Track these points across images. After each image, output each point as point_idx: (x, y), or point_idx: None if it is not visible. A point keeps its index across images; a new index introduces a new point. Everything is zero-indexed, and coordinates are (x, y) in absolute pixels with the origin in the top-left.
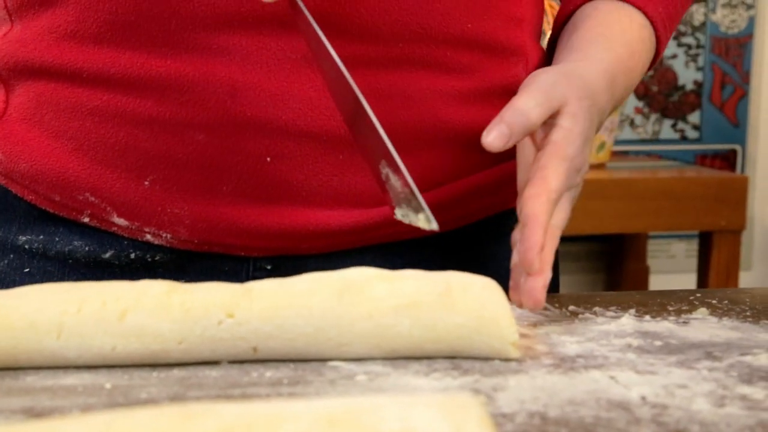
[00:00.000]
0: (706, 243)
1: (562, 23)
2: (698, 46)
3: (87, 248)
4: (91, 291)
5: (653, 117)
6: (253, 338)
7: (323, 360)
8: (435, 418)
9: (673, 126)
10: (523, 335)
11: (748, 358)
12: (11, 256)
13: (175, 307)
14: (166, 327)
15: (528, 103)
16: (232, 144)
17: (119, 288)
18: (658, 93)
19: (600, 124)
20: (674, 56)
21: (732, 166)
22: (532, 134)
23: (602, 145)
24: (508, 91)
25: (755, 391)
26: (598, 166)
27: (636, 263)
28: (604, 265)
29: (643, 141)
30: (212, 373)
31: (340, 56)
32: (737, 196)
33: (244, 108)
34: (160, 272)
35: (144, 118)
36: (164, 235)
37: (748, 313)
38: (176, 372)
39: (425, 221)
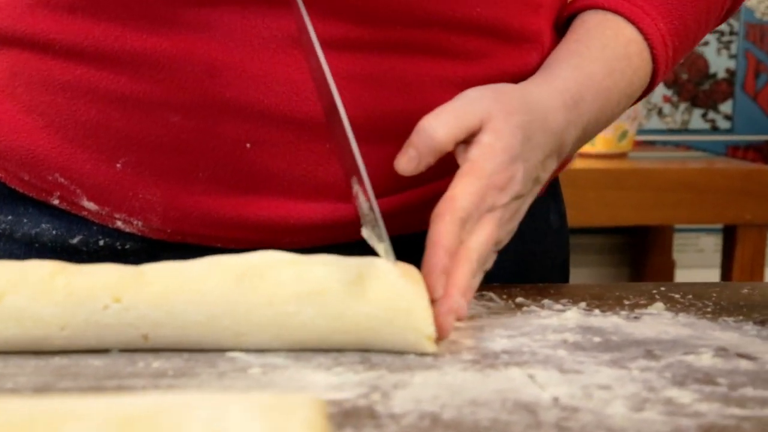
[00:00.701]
0: (730, 237)
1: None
2: (731, 33)
3: (55, 231)
4: None
5: (682, 106)
6: (143, 325)
7: (222, 350)
8: (250, 420)
9: (704, 116)
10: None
11: (690, 358)
12: None
13: (59, 290)
14: (48, 311)
15: (432, 123)
16: (209, 127)
17: (2, 267)
18: (688, 81)
19: (558, 145)
20: (706, 43)
21: (766, 159)
22: (455, 153)
23: (624, 134)
24: (519, 81)
25: (683, 395)
26: (620, 156)
27: (661, 257)
28: (628, 258)
29: (671, 131)
30: (96, 362)
31: (332, 37)
32: (764, 189)
33: (223, 89)
34: (131, 261)
35: (117, 95)
36: (135, 222)
37: (709, 309)
38: (57, 360)
39: (384, 253)
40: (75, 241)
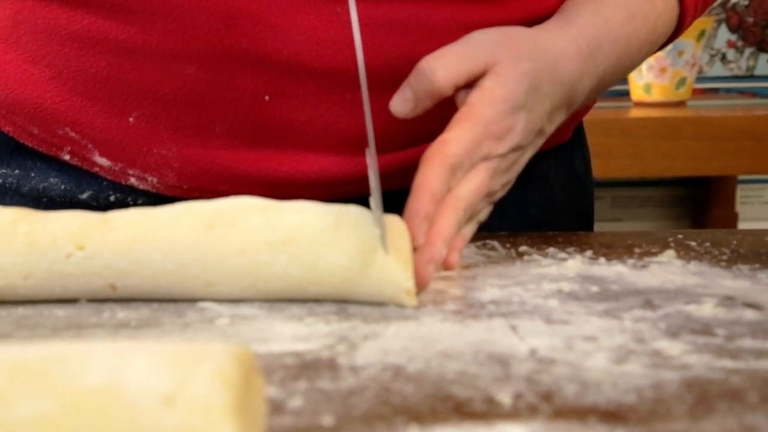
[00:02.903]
0: None
1: None
2: None
3: (63, 186)
4: None
5: (747, 51)
6: (108, 274)
7: (194, 300)
8: (154, 370)
9: None
10: (442, 278)
11: (690, 308)
12: None
13: (20, 238)
14: (9, 259)
15: (432, 65)
16: (225, 80)
17: None
18: (754, 24)
19: (569, 97)
20: None
21: None
22: (456, 98)
23: (682, 81)
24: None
25: (673, 346)
26: (678, 104)
27: (723, 209)
28: (688, 211)
29: (735, 78)
30: (60, 312)
31: None
32: None
33: (239, 39)
34: None
35: (127, 46)
36: (150, 179)
37: (724, 257)
38: (21, 310)
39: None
40: (84, 196)
